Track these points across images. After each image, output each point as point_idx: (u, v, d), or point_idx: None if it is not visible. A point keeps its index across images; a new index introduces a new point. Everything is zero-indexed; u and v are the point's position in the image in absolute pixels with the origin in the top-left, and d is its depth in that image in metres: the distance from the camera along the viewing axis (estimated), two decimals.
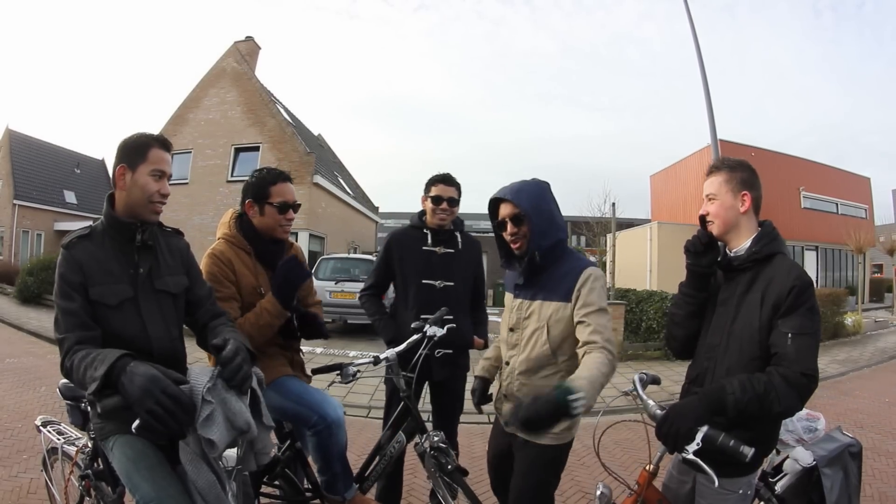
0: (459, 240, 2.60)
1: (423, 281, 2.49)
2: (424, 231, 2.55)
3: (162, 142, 1.63)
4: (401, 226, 2.69)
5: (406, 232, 2.61)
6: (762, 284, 1.52)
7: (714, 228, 1.62)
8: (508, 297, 1.95)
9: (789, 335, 1.41)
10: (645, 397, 1.62)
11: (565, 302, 1.73)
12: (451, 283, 2.51)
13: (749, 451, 1.31)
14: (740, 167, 1.63)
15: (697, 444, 1.36)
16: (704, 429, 1.36)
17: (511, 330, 1.87)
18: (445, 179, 2.53)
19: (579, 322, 1.68)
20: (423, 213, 2.60)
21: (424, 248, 2.52)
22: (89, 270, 1.52)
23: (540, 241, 1.75)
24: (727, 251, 1.65)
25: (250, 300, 2.03)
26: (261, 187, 2.09)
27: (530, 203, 1.75)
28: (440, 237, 2.55)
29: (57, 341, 1.48)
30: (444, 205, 2.50)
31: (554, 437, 1.74)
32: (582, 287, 1.71)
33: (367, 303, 2.65)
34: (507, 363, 1.88)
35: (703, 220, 1.66)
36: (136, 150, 1.58)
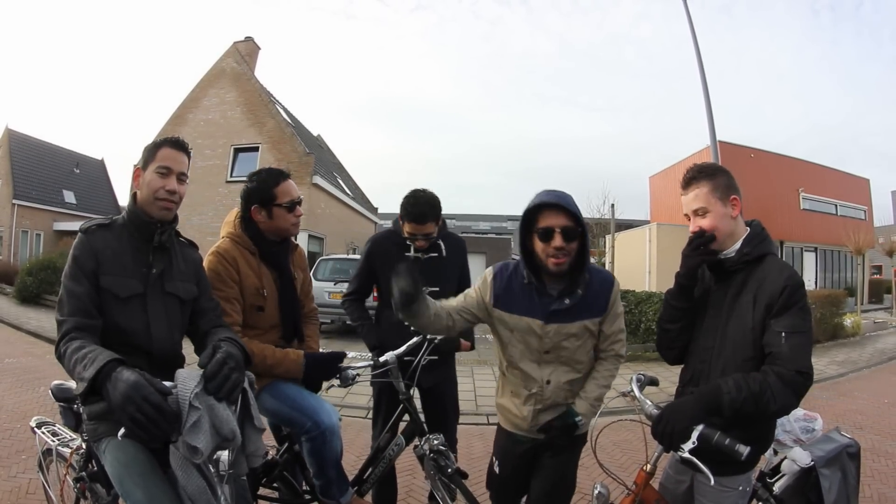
0: (443, 245, 2.52)
1: None
2: (407, 242, 2.46)
3: (174, 142, 1.66)
4: (382, 230, 2.60)
5: (388, 237, 2.53)
6: (754, 285, 1.51)
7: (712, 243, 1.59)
8: (530, 322, 1.71)
9: (783, 334, 1.41)
10: (642, 398, 1.62)
11: (602, 315, 1.76)
12: (437, 289, 2.39)
13: (744, 450, 1.32)
14: (719, 172, 1.60)
15: (693, 443, 1.37)
16: (700, 427, 1.37)
17: (547, 352, 1.73)
18: (418, 218, 2.31)
19: (606, 332, 1.78)
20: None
21: (407, 255, 2.45)
22: (104, 259, 1.54)
23: (587, 260, 1.69)
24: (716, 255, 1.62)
25: (252, 301, 2.02)
26: (265, 191, 2.05)
27: (581, 217, 1.64)
28: None
29: (56, 322, 1.48)
30: (420, 241, 2.39)
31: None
32: (615, 300, 1.78)
33: (349, 307, 2.59)
34: (549, 381, 1.74)
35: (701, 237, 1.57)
36: (149, 151, 1.64)
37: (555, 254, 1.61)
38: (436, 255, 2.48)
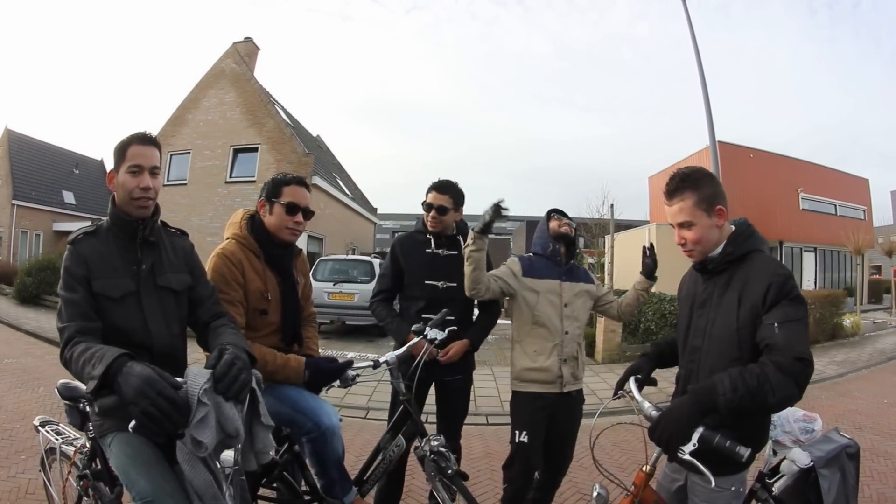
0: (462, 242, 2.59)
1: (427, 282, 2.53)
2: (427, 236, 2.58)
3: (140, 138, 1.64)
4: (406, 232, 2.74)
5: (411, 236, 2.67)
6: (738, 285, 1.50)
7: (696, 255, 1.59)
8: (552, 283, 2.41)
9: (776, 325, 1.38)
10: (640, 398, 1.62)
11: (594, 285, 2.57)
12: (454, 285, 2.51)
13: (745, 452, 1.30)
14: (703, 180, 1.55)
15: (694, 445, 1.35)
16: (700, 429, 1.35)
17: (566, 305, 2.40)
18: (439, 187, 2.53)
19: (600, 295, 2.61)
20: None
21: (427, 250, 2.56)
22: (93, 264, 1.56)
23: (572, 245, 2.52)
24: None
25: (256, 305, 2.02)
26: (275, 187, 2.10)
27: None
28: (442, 241, 2.58)
29: (58, 330, 1.50)
30: (434, 213, 2.51)
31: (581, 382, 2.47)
32: (596, 280, 2.61)
33: (377, 308, 2.67)
34: (567, 332, 2.37)
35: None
36: (118, 152, 1.64)
37: (562, 223, 2.49)
38: (455, 252, 2.57)
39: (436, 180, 2.58)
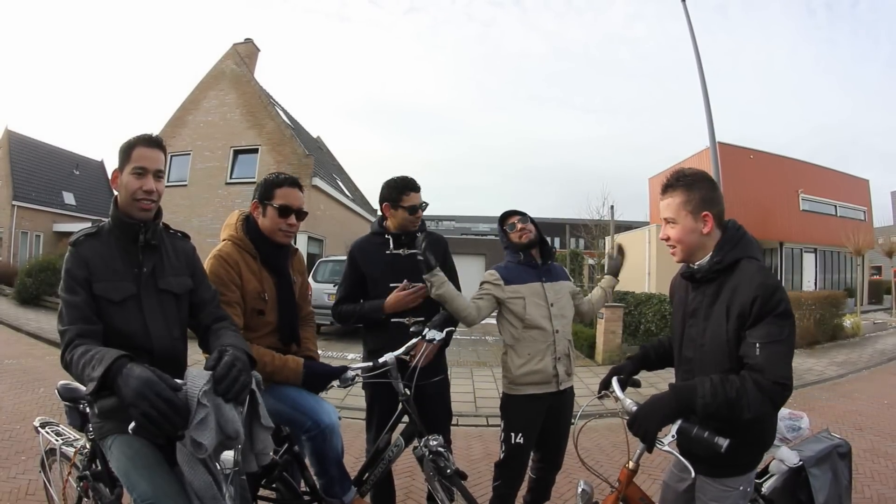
0: (420, 238, 2.50)
1: (392, 284, 2.44)
2: (386, 237, 2.50)
3: (147, 140, 1.64)
4: (363, 235, 2.62)
5: (368, 239, 2.56)
6: (727, 295, 1.48)
7: (677, 254, 1.59)
8: (534, 286, 2.42)
9: (757, 345, 1.37)
10: (622, 396, 1.63)
11: (570, 281, 2.61)
12: (419, 284, 2.43)
13: (724, 442, 1.31)
14: (698, 183, 1.55)
15: (672, 437, 1.38)
16: (678, 422, 1.38)
17: (552, 305, 2.41)
18: (415, 186, 2.46)
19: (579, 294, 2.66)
20: (382, 218, 2.54)
21: (388, 252, 2.48)
22: (94, 267, 1.55)
23: (545, 239, 2.52)
24: (689, 265, 1.61)
25: (253, 305, 2.03)
26: (267, 188, 2.10)
27: (525, 214, 2.56)
28: (402, 240, 2.50)
29: (59, 333, 1.50)
30: (420, 212, 2.45)
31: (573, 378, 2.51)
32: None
33: (341, 313, 2.54)
34: (558, 331, 2.39)
35: None
36: (123, 152, 1.63)
37: (521, 232, 2.44)
38: (416, 250, 2.45)
39: (394, 181, 2.46)
